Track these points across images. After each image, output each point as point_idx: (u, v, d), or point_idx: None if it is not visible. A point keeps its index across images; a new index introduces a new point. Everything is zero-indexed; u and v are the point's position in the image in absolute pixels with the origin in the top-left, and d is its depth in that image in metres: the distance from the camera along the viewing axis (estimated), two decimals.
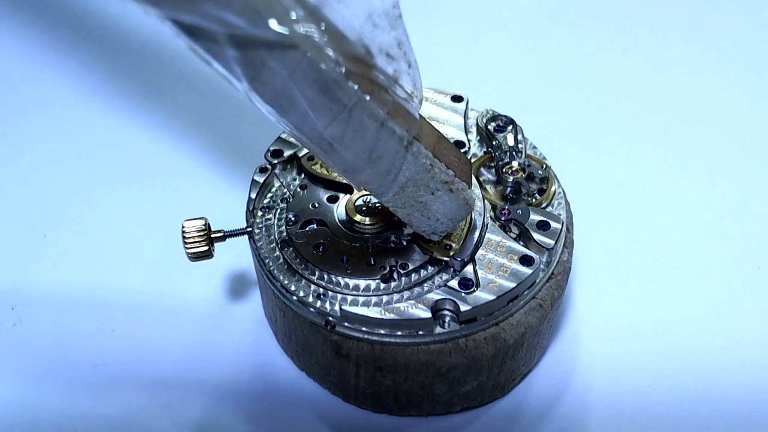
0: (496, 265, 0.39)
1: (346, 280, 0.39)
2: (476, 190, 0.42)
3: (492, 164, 0.44)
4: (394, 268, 0.39)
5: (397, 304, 0.38)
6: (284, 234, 0.41)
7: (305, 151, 0.45)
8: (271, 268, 0.40)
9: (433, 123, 0.45)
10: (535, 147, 0.45)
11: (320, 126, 0.32)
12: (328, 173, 0.43)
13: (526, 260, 0.39)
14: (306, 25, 0.30)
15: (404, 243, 0.41)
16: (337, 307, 0.38)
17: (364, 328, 0.38)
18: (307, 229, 0.41)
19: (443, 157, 0.36)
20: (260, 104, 0.33)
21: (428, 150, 0.35)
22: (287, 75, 0.31)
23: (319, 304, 0.39)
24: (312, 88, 0.31)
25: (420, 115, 0.36)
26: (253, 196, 0.43)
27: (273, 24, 0.29)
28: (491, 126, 0.45)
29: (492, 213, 0.42)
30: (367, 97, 0.32)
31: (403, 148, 0.34)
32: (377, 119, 0.33)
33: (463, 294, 0.38)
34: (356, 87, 0.32)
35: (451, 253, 0.39)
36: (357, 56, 0.32)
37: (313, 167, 0.44)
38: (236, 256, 0.50)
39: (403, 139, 0.34)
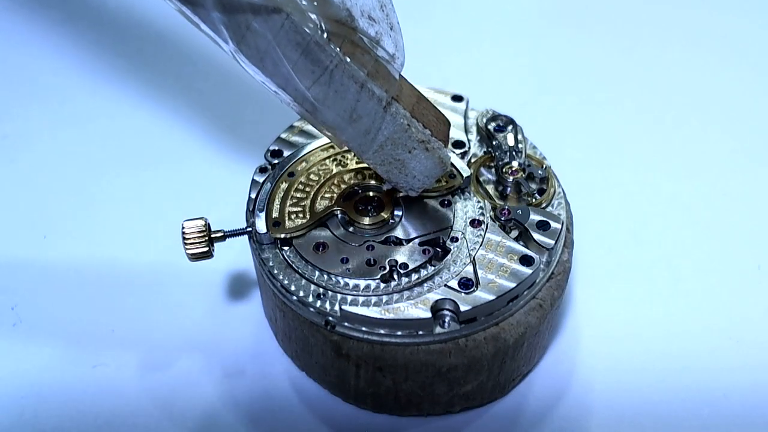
0: (496, 265, 0.39)
1: (346, 280, 0.39)
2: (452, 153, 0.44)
3: (492, 164, 0.44)
4: (394, 268, 0.39)
5: (397, 304, 0.38)
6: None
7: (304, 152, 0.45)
8: (271, 268, 0.40)
9: None
10: (535, 147, 0.45)
11: (303, 87, 0.34)
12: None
13: (526, 260, 0.39)
14: None
15: (404, 243, 0.41)
16: (337, 307, 0.38)
17: (364, 328, 0.38)
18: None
19: (421, 117, 0.38)
20: (246, 65, 0.34)
21: (406, 110, 0.37)
22: (271, 38, 0.32)
23: (319, 304, 0.39)
24: (295, 51, 0.33)
25: (401, 76, 0.38)
26: (253, 196, 0.43)
27: None
28: (491, 126, 0.45)
29: (492, 213, 0.42)
30: (348, 59, 0.34)
31: (381, 109, 0.36)
32: (357, 80, 0.35)
33: (463, 294, 0.38)
34: (338, 49, 0.33)
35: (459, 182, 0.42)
36: (339, 19, 0.33)
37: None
38: (236, 256, 0.50)
39: (382, 100, 0.36)
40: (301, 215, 0.41)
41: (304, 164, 0.44)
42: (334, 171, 0.43)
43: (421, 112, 0.38)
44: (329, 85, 0.34)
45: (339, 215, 0.41)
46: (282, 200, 0.42)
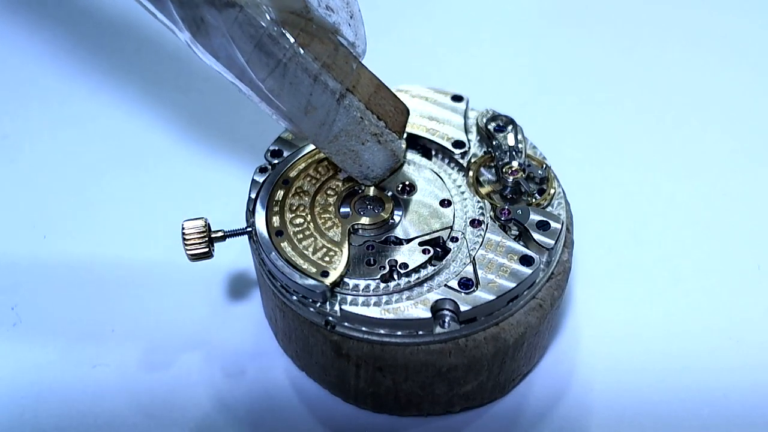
0: (496, 265, 0.39)
1: (346, 280, 0.39)
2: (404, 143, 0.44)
3: (492, 164, 0.44)
4: (394, 268, 0.39)
5: (397, 304, 0.38)
6: None
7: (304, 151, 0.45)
8: (271, 268, 0.40)
9: (433, 123, 0.46)
10: (535, 147, 0.45)
11: (257, 79, 0.35)
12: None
13: (526, 260, 0.39)
14: None
15: (404, 243, 0.41)
16: (337, 307, 0.38)
17: (364, 328, 0.38)
18: None
19: (377, 108, 0.38)
20: (202, 54, 0.34)
21: (361, 102, 0.37)
22: (225, 30, 0.33)
23: (319, 304, 0.39)
24: (249, 43, 0.33)
25: (361, 65, 0.38)
26: (253, 196, 0.43)
27: None
28: (491, 126, 0.45)
29: (492, 213, 0.42)
30: (302, 51, 0.34)
31: (335, 101, 0.37)
32: (311, 73, 0.35)
33: (463, 294, 0.38)
34: (292, 40, 0.34)
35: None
36: (294, 10, 0.34)
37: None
38: (236, 256, 0.50)
39: (336, 92, 0.36)
40: (331, 253, 0.40)
41: (278, 215, 0.42)
42: (312, 191, 0.43)
43: (377, 103, 0.39)
44: (283, 77, 0.35)
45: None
46: (301, 256, 0.40)
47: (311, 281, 0.38)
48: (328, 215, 0.41)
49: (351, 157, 0.40)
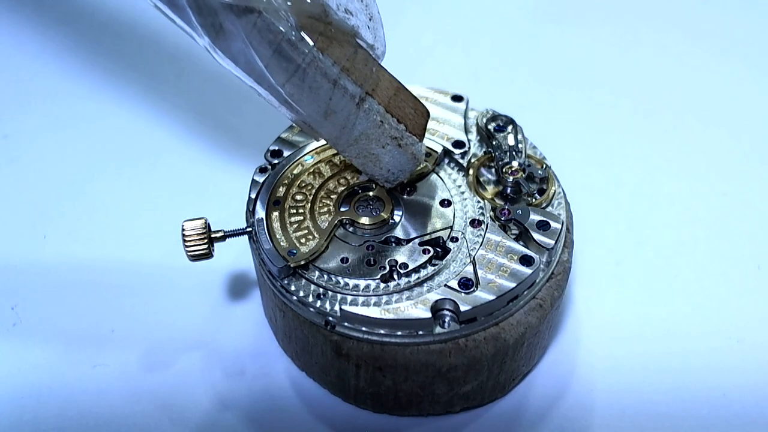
0: (496, 265, 0.39)
1: (346, 280, 0.39)
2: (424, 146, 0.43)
3: (492, 164, 0.44)
4: (394, 268, 0.39)
5: (397, 304, 0.38)
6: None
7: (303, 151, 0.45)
8: (271, 268, 0.40)
9: (433, 123, 0.46)
10: (535, 147, 0.45)
11: (277, 84, 0.35)
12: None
13: (526, 260, 0.39)
14: None
15: (404, 243, 0.41)
16: (337, 307, 0.38)
17: (364, 328, 0.38)
18: None
19: (396, 111, 0.38)
20: (222, 60, 0.34)
21: (381, 105, 0.37)
22: (244, 36, 0.33)
23: (319, 304, 0.39)
24: (268, 49, 0.33)
25: (380, 66, 0.38)
26: (253, 196, 0.43)
27: None
28: (491, 126, 0.45)
29: (492, 213, 0.42)
30: (321, 56, 0.34)
31: (354, 105, 0.36)
32: (330, 78, 0.35)
33: (463, 294, 0.38)
34: (312, 44, 0.34)
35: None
36: (313, 15, 0.34)
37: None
38: (236, 256, 0.50)
39: (355, 96, 0.36)
40: (309, 237, 0.41)
41: (284, 188, 0.43)
42: (317, 185, 0.43)
43: (397, 105, 0.38)
44: (303, 82, 0.35)
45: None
46: (283, 230, 0.41)
47: (275, 254, 0.39)
48: (328, 202, 0.42)
49: (371, 160, 0.40)
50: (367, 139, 0.38)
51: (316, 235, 0.41)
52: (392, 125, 0.38)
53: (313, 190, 0.43)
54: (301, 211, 0.42)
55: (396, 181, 0.41)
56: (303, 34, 0.34)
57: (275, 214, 0.41)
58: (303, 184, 0.43)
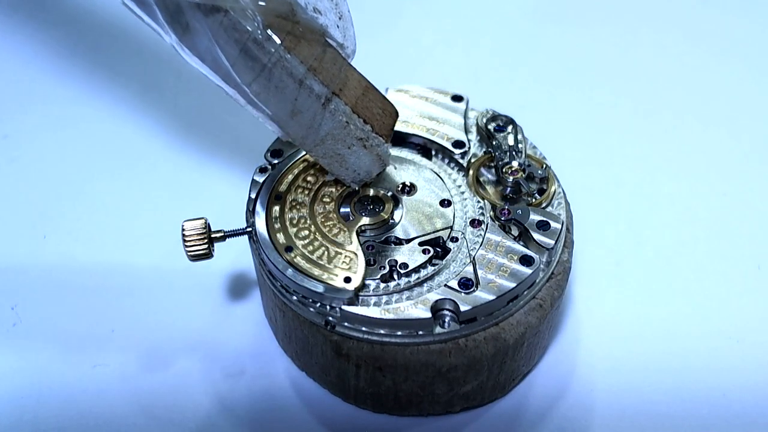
0: (496, 265, 0.39)
1: None
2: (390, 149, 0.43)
3: (492, 164, 0.44)
4: (394, 268, 0.39)
5: (397, 304, 0.38)
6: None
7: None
8: (271, 268, 0.40)
9: (433, 123, 0.46)
10: (535, 147, 0.45)
11: (243, 83, 0.35)
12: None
13: (526, 260, 0.39)
14: None
15: (404, 243, 0.41)
16: (337, 307, 0.38)
17: (364, 328, 0.38)
18: None
19: (363, 111, 0.38)
20: (189, 58, 0.34)
21: (348, 105, 0.37)
22: (210, 35, 0.33)
23: (319, 304, 0.39)
24: (234, 48, 0.33)
25: (349, 66, 0.38)
26: (253, 196, 0.43)
27: None
28: (491, 126, 0.45)
29: (492, 213, 0.42)
30: (288, 55, 0.34)
31: (320, 106, 0.36)
32: (296, 77, 0.35)
33: (463, 294, 0.38)
34: (279, 43, 0.34)
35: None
36: (280, 14, 0.34)
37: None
38: (236, 256, 0.50)
39: (321, 96, 0.36)
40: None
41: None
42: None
43: (365, 106, 0.38)
44: (269, 81, 0.35)
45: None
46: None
47: (336, 288, 0.38)
48: (331, 222, 0.41)
49: (337, 161, 0.40)
50: (333, 140, 0.38)
51: (349, 254, 0.40)
52: (358, 126, 0.38)
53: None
54: (316, 244, 0.41)
55: (362, 181, 0.41)
56: (270, 32, 0.34)
57: (297, 259, 0.40)
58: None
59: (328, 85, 0.36)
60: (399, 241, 0.41)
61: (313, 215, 0.41)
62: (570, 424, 0.43)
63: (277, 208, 0.42)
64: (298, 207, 0.42)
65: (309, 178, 0.43)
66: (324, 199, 0.42)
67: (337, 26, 0.37)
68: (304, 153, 0.44)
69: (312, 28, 0.35)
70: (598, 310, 0.48)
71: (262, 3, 0.33)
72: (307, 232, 0.41)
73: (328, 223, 0.41)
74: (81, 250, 0.51)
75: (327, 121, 0.37)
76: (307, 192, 0.42)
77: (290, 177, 0.43)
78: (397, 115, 0.41)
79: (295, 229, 0.41)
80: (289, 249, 0.40)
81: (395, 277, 0.39)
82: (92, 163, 0.56)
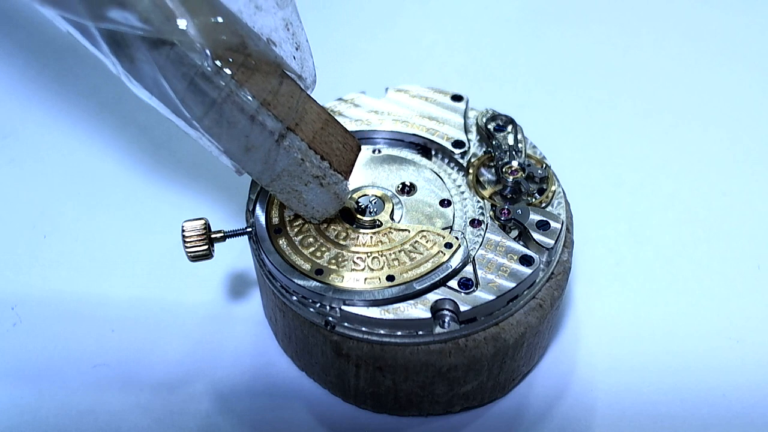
0: (496, 264, 0.39)
1: None
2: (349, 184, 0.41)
3: (492, 164, 0.44)
4: None
5: (397, 304, 0.38)
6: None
7: None
8: (271, 269, 0.40)
9: (433, 122, 0.46)
10: (535, 147, 0.45)
11: (194, 118, 0.33)
12: None
13: (525, 260, 0.39)
14: (173, 21, 0.30)
15: None
16: (337, 307, 0.38)
17: (364, 328, 0.38)
18: None
19: (321, 147, 0.37)
20: (137, 90, 0.33)
21: (304, 141, 0.36)
22: (157, 68, 0.31)
23: (319, 304, 0.39)
24: (181, 82, 0.32)
25: (308, 98, 0.37)
26: (253, 196, 0.43)
27: (136, 19, 0.29)
28: (491, 126, 0.45)
29: (492, 213, 0.42)
30: (239, 90, 0.33)
31: (274, 141, 0.35)
32: (247, 113, 0.33)
33: (462, 294, 0.38)
34: (229, 76, 0.32)
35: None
36: (230, 46, 0.32)
37: None
38: (236, 256, 0.50)
39: (275, 133, 0.35)
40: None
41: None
42: None
43: (324, 140, 0.37)
44: (220, 117, 0.33)
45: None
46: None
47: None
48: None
49: (295, 197, 0.38)
50: (289, 176, 0.37)
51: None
52: (314, 163, 0.37)
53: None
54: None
55: (321, 218, 0.40)
56: (220, 66, 0.32)
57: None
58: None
59: (283, 119, 0.35)
60: None
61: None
62: (570, 424, 0.43)
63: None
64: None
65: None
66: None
67: (294, 57, 0.35)
68: None
69: (266, 59, 0.34)
70: (598, 310, 0.48)
71: (206, 34, 0.31)
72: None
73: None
74: (81, 250, 0.51)
75: (282, 158, 0.36)
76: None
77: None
78: (359, 149, 0.39)
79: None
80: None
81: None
82: (92, 163, 0.56)
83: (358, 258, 0.40)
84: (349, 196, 0.41)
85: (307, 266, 0.39)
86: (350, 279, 0.39)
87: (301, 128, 0.36)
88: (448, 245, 0.39)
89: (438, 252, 0.39)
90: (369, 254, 0.40)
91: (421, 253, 0.40)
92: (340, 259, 0.40)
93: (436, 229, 0.40)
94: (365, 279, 0.39)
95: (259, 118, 0.34)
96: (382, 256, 0.40)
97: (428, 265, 0.39)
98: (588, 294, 0.49)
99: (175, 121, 0.34)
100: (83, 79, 0.62)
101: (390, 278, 0.39)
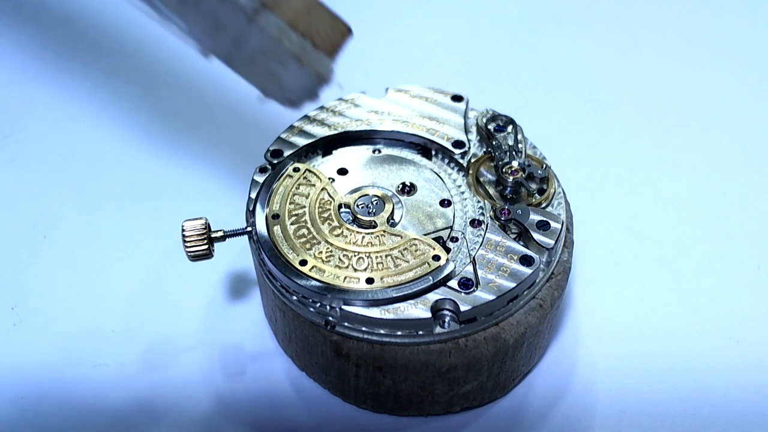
0: (496, 264, 0.39)
1: None
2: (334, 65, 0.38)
3: (492, 164, 0.44)
4: None
5: (397, 304, 0.38)
6: None
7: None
8: (271, 268, 0.40)
9: (433, 123, 0.46)
10: (535, 147, 0.45)
11: None
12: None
13: (526, 260, 0.39)
14: None
15: None
16: (337, 307, 0.38)
17: (364, 328, 0.38)
18: None
19: (304, 25, 0.34)
20: None
21: (282, 19, 0.34)
22: None
23: (319, 304, 0.39)
24: None
25: None
26: (253, 196, 0.43)
27: None
28: (491, 126, 0.45)
29: (492, 213, 0.42)
30: None
31: (246, 19, 0.33)
32: None
33: (463, 294, 0.38)
34: None
35: None
36: None
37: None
38: (236, 256, 0.50)
39: (247, 9, 0.33)
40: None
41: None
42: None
43: (307, 21, 0.35)
44: None
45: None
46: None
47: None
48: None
49: (270, 80, 0.36)
50: (264, 56, 0.35)
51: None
52: (293, 41, 0.34)
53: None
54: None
55: (299, 101, 0.37)
56: None
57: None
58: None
59: None
60: None
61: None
62: (570, 424, 0.43)
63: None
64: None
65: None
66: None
67: None
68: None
69: None
70: (598, 310, 0.48)
71: None
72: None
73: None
74: (81, 250, 0.51)
75: (255, 36, 0.34)
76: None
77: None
78: (348, 32, 0.37)
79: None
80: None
81: None
82: (92, 163, 0.56)
83: (344, 255, 0.40)
84: (334, 77, 0.38)
85: (292, 255, 0.39)
86: (330, 275, 0.39)
87: (279, 5, 0.34)
88: (436, 258, 0.39)
89: (423, 263, 0.39)
90: (356, 254, 0.40)
91: (407, 261, 0.39)
92: (327, 254, 0.39)
93: (428, 240, 0.40)
94: (345, 277, 0.39)
95: None
96: (368, 257, 0.40)
97: (410, 275, 0.39)
98: (588, 294, 0.49)
99: (134, 4, 0.33)
100: (84, 79, 0.62)
101: (369, 281, 0.38)
